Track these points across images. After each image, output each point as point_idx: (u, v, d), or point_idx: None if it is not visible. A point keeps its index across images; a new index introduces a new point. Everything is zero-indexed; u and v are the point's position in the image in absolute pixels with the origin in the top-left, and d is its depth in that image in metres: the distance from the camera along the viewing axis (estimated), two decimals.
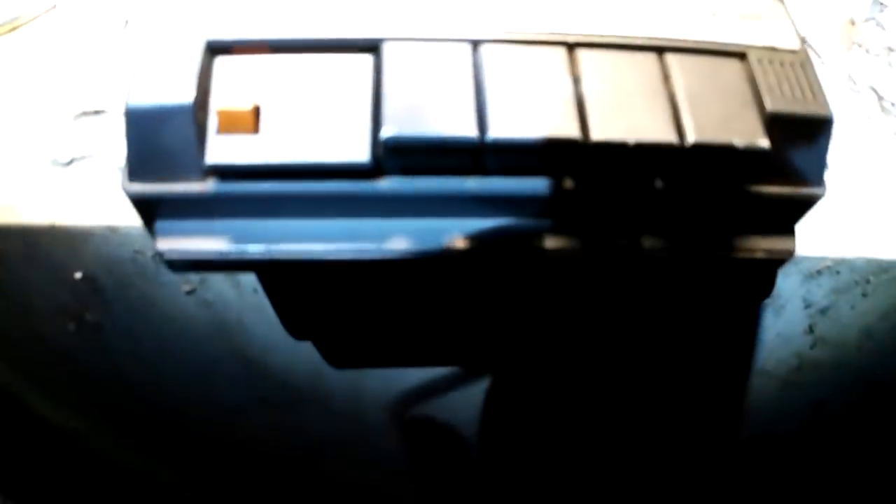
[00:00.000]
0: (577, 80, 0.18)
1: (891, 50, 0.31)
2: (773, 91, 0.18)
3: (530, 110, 0.17)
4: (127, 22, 0.26)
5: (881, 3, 0.33)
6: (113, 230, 0.24)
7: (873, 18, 0.32)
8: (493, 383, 0.27)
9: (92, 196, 0.24)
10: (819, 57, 0.29)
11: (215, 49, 0.18)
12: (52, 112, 0.25)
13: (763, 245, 0.19)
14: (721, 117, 0.18)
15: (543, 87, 0.17)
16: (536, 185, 0.17)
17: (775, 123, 0.18)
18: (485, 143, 0.17)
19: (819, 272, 0.26)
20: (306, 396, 0.29)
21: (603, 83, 0.18)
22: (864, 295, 0.27)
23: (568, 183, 0.17)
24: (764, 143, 0.17)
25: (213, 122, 0.17)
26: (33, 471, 0.29)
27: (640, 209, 0.18)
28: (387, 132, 0.16)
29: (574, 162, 0.17)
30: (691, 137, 0.17)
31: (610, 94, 0.17)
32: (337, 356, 0.26)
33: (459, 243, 0.18)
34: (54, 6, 0.28)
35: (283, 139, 0.17)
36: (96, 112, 0.24)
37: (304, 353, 0.27)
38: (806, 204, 0.19)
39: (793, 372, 0.29)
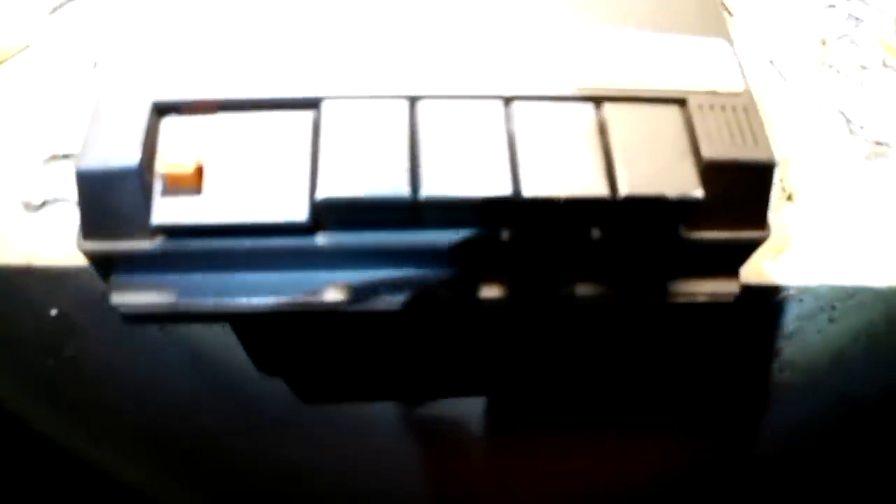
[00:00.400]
0: (512, 135, 0.18)
1: (864, 68, 0.30)
2: (712, 137, 0.18)
3: (464, 167, 0.17)
4: (95, 64, 0.27)
5: (857, 19, 0.32)
6: (85, 270, 0.25)
7: (847, 35, 0.32)
8: (460, 413, 0.27)
9: (65, 238, 0.25)
10: (786, 80, 0.28)
11: (162, 109, 0.18)
12: (22, 155, 0.26)
13: (705, 288, 0.19)
14: (656, 167, 0.18)
15: (479, 142, 0.18)
16: (472, 237, 0.18)
17: (712, 171, 0.18)
18: (417, 201, 0.17)
19: (781, 300, 0.26)
20: (282, 423, 0.30)
21: (538, 136, 0.18)
22: (831, 320, 0.27)
23: (504, 235, 0.18)
24: (697, 192, 0.17)
25: (159, 183, 0.18)
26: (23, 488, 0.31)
27: (578, 258, 0.18)
28: (321, 193, 0.17)
29: (508, 216, 0.17)
30: (624, 189, 0.17)
31: (544, 147, 0.18)
32: (306, 391, 0.26)
33: (397, 294, 0.18)
34: (27, 46, 0.29)
35: (225, 198, 0.17)
36: (65, 156, 0.25)
37: (277, 383, 0.27)
38: (748, 247, 0.19)
39: (761, 397, 0.29)
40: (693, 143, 0.18)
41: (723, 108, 0.19)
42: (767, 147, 0.19)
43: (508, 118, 0.18)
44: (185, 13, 0.20)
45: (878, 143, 0.28)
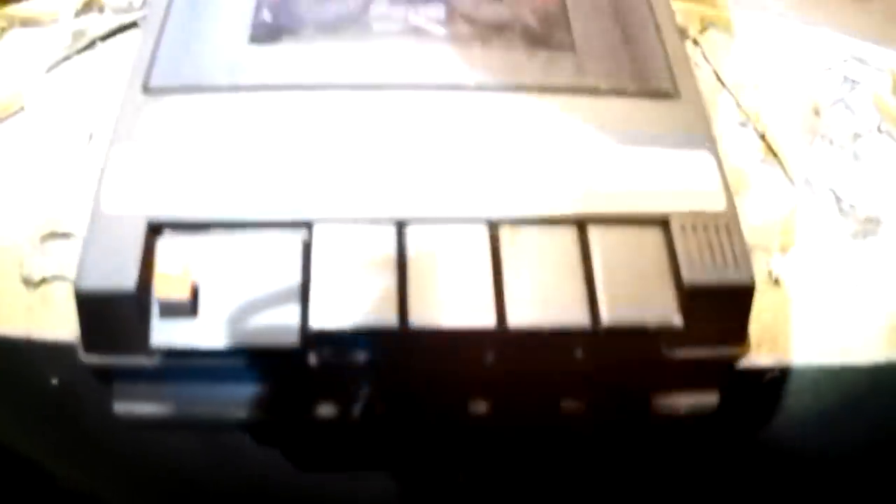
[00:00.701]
0: (496, 260, 0.18)
1: (857, 136, 0.30)
2: (692, 260, 0.19)
3: (450, 296, 0.18)
4: (91, 136, 0.27)
5: (853, 81, 0.32)
6: None
7: (842, 100, 0.31)
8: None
9: (64, 313, 0.26)
10: (775, 156, 0.28)
11: (156, 228, 0.19)
12: (19, 232, 0.26)
13: (685, 401, 0.20)
14: (637, 294, 0.18)
15: (464, 268, 0.18)
16: (458, 359, 0.18)
17: (692, 295, 0.18)
18: (407, 331, 0.17)
19: (764, 382, 0.26)
20: (274, 471, 0.31)
21: (522, 261, 0.18)
22: (817, 397, 0.28)
23: (489, 357, 0.18)
24: (677, 320, 0.18)
25: (156, 304, 0.18)
26: None
27: (561, 376, 0.19)
28: (314, 323, 0.17)
29: (493, 344, 0.18)
30: (605, 320, 0.18)
31: (528, 274, 0.18)
32: (299, 461, 0.27)
33: (387, 409, 0.19)
34: (21, 107, 0.29)
35: (220, 322, 0.18)
36: (63, 235, 0.26)
37: (272, 450, 0.28)
38: (727, 364, 0.20)
39: (747, 472, 0.30)
40: (674, 266, 0.19)
41: (705, 227, 0.19)
42: (748, 269, 0.19)
43: (493, 243, 0.18)
44: (181, 129, 0.20)
45: (869, 220, 0.28)
